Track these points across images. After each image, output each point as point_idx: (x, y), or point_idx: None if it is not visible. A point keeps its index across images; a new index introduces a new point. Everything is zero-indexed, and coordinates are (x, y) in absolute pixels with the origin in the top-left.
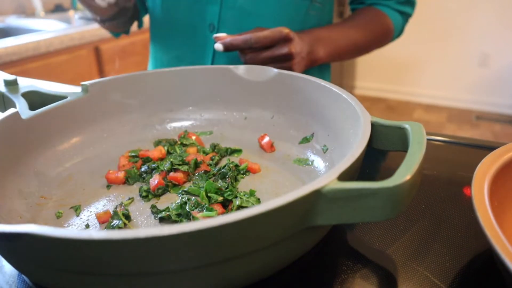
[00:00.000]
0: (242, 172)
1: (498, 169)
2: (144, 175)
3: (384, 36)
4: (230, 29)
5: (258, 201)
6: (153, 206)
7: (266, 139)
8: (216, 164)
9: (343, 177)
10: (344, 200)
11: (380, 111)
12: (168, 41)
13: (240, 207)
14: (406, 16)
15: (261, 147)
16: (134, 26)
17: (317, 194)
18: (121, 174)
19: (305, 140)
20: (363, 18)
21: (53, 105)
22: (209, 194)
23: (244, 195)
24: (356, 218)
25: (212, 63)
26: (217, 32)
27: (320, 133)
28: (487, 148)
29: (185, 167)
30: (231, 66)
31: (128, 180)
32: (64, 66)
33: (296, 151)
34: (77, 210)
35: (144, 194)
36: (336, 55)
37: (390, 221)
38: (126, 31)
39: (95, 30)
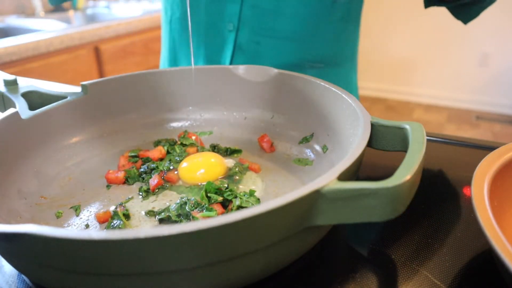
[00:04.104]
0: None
1: (498, 169)
2: (144, 175)
3: None
4: (250, 28)
5: (258, 201)
6: (152, 207)
7: (266, 139)
8: None
9: (343, 177)
10: (344, 200)
11: (380, 111)
12: (185, 39)
13: (240, 207)
14: None
15: (261, 147)
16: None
17: (317, 194)
18: (120, 174)
19: (305, 140)
20: None
21: (53, 105)
22: (209, 194)
23: (244, 195)
24: (356, 218)
25: (231, 63)
26: (237, 31)
27: (320, 133)
28: (487, 148)
29: None
30: (231, 66)
31: (127, 180)
32: (64, 66)
33: (296, 151)
34: (77, 210)
35: (143, 194)
36: None
37: (390, 221)
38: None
39: (95, 30)
